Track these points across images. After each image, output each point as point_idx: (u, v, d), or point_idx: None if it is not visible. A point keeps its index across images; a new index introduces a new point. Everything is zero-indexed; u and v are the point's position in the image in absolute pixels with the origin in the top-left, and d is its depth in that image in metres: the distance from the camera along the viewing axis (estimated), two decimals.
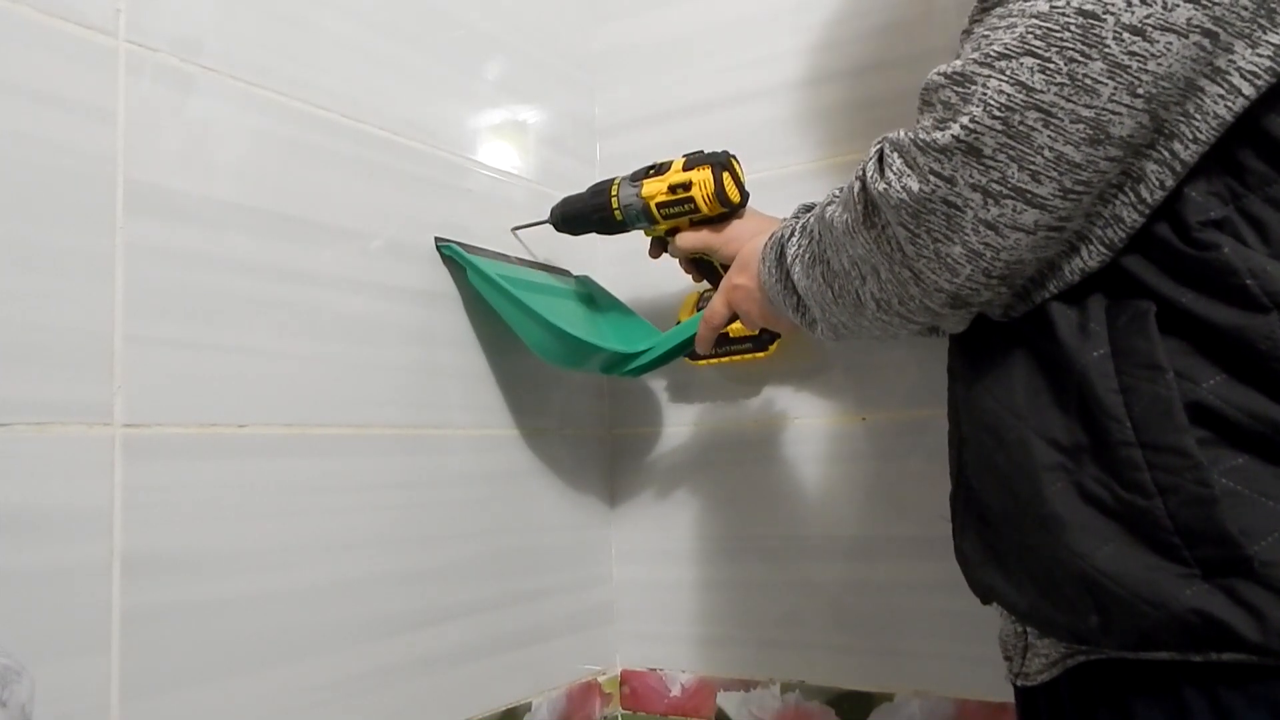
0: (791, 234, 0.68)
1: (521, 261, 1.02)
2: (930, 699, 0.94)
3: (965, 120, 0.50)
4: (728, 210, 0.89)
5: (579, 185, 0.98)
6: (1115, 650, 0.53)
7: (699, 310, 0.96)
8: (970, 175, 0.50)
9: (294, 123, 0.79)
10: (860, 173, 0.58)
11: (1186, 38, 0.46)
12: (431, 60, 0.94)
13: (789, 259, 0.67)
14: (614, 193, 0.93)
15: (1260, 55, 0.48)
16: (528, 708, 0.98)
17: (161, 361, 0.68)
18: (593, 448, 1.12)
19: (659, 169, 0.91)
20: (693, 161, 0.90)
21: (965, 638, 0.93)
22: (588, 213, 0.96)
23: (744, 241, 0.85)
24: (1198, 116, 0.49)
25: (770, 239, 0.72)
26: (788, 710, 1.01)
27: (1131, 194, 0.51)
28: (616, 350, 0.93)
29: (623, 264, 1.14)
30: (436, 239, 0.92)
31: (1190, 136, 0.49)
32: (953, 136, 0.50)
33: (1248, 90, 0.48)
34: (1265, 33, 0.47)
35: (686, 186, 0.88)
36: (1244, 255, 0.49)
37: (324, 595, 0.78)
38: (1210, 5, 0.46)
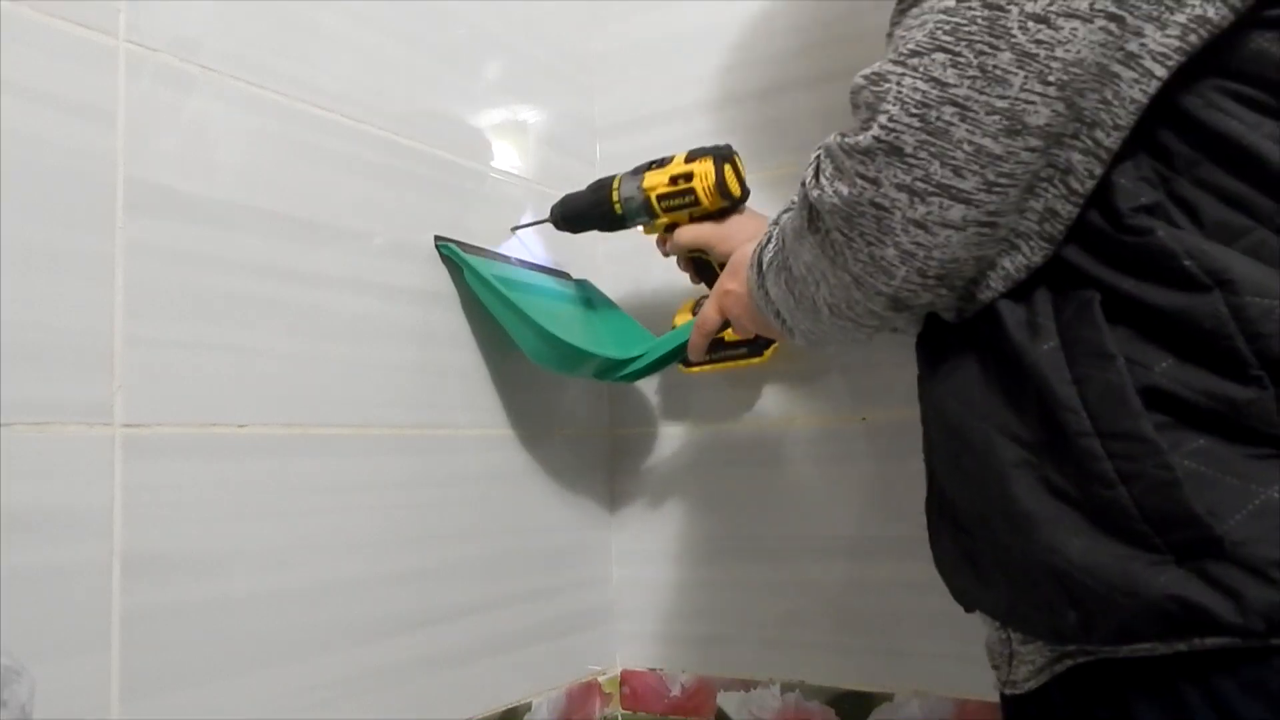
0: (768, 240, 0.69)
1: (521, 263, 1.02)
2: (930, 699, 0.94)
3: (884, 119, 0.51)
4: (728, 204, 0.89)
5: (579, 185, 0.98)
6: (1097, 646, 0.52)
7: (695, 315, 0.96)
8: (894, 175, 0.51)
9: (294, 123, 0.79)
10: (802, 181, 0.59)
11: (1091, 22, 0.47)
12: (431, 60, 0.94)
13: (764, 265, 0.68)
14: (615, 187, 0.93)
15: (1169, 36, 0.48)
16: (528, 708, 0.98)
17: (161, 361, 0.68)
18: (593, 448, 1.12)
19: (660, 163, 0.91)
20: (694, 154, 0.90)
21: (965, 638, 0.93)
22: (588, 209, 0.95)
23: (741, 240, 0.85)
24: (1116, 103, 0.49)
25: (756, 245, 0.72)
26: (788, 710, 1.01)
27: (1061, 186, 0.51)
28: (609, 356, 0.93)
29: (623, 263, 1.14)
30: (436, 238, 0.92)
31: (1111, 123, 0.49)
32: (874, 138, 0.51)
33: (1160, 72, 0.48)
34: (1172, 14, 0.48)
35: (688, 178, 0.88)
36: (1178, 237, 0.49)
37: (324, 595, 0.78)
38: None
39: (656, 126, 1.13)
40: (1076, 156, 0.50)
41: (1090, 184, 0.51)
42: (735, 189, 0.89)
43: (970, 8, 0.48)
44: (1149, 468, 0.48)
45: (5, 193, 0.60)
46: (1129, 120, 0.49)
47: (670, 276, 1.06)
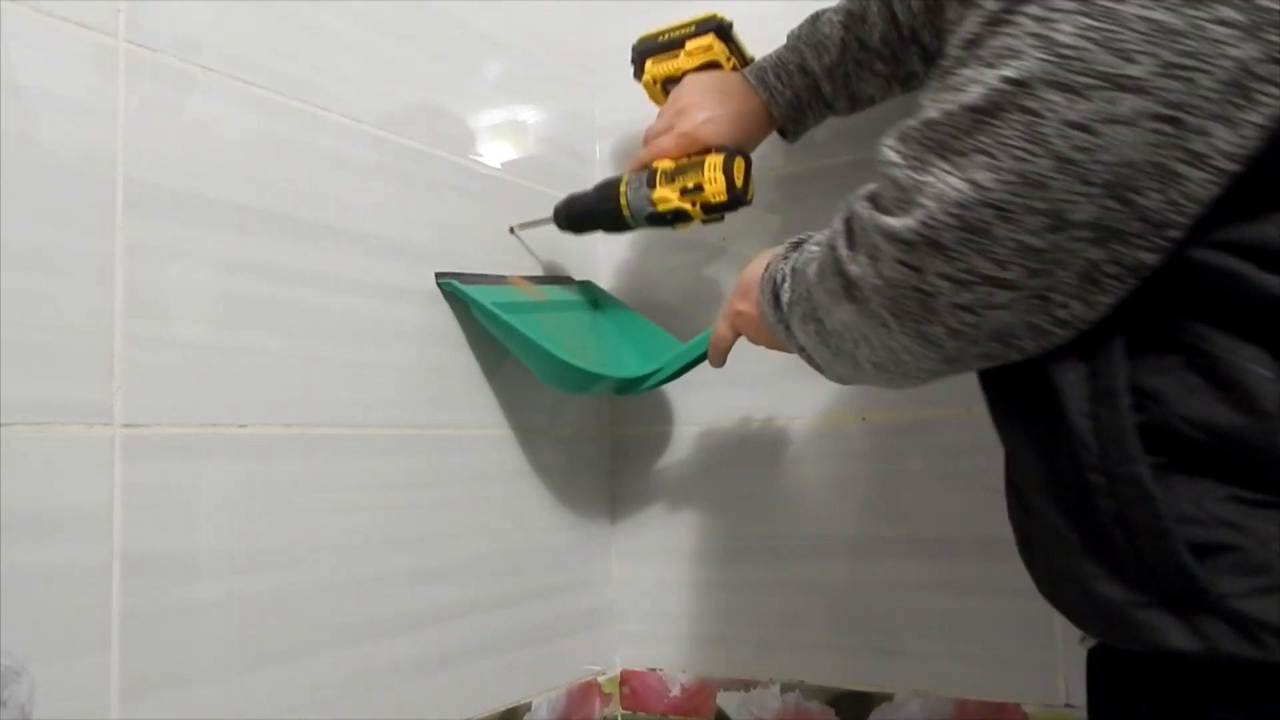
0: (784, 279, 0.68)
1: (522, 279, 1.01)
2: (930, 699, 0.94)
3: (923, 215, 0.49)
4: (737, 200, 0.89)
5: (579, 185, 0.98)
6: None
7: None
8: (936, 265, 0.50)
9: (294, 123, 0.79)
10: (832, 244, 0.58)
11: (1136, 125, 0.45)
12: (431, 60, 0.95)
13: (784, 306, 0.67)
14: (622, 190, 0.92)
15: (1244, 136, 0.45)
16: (528, 708, 0.98)
17: (161, 361, 0.68)
18: (593, 447, 1.12)
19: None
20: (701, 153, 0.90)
21: (965, 638, 0.93)
22: (594, 209, 0.95)
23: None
24: (1187, 203, 0.47)
25: (766, 272, 0.72)
26: (788, 710, 1.01)
27: (1133, 280, 0.50)
28: (624, 377, 0.93)
29: (622, 262, 1.14)
30: (437, 275, 0.92)
31: (1185, 224, 0.47)
32: (912, 231, 0.50)
33: (1235, 169, 0.46)
34: (1242, 111, 0.45)
35: (699, 189, 0.88)
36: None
37: (324, 595, 0.78)
38: (1160, 92, 0.44)
39: None
40: (1146, 255, 0.48)
41: (1151, 267, 0.49)
42: (742, 185, 0.88)
43: (1006, 110, 0.46)
44: (1143, 515, 0.48)
45: (5, 193, 0.60)
46: (1200, 214, 0.47)
47: (669, 275, 1.06)
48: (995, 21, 0.47)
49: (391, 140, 0.89)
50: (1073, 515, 0.52)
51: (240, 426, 0.73)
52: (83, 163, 0.65)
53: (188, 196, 0.71)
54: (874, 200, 0.53)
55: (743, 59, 0.97)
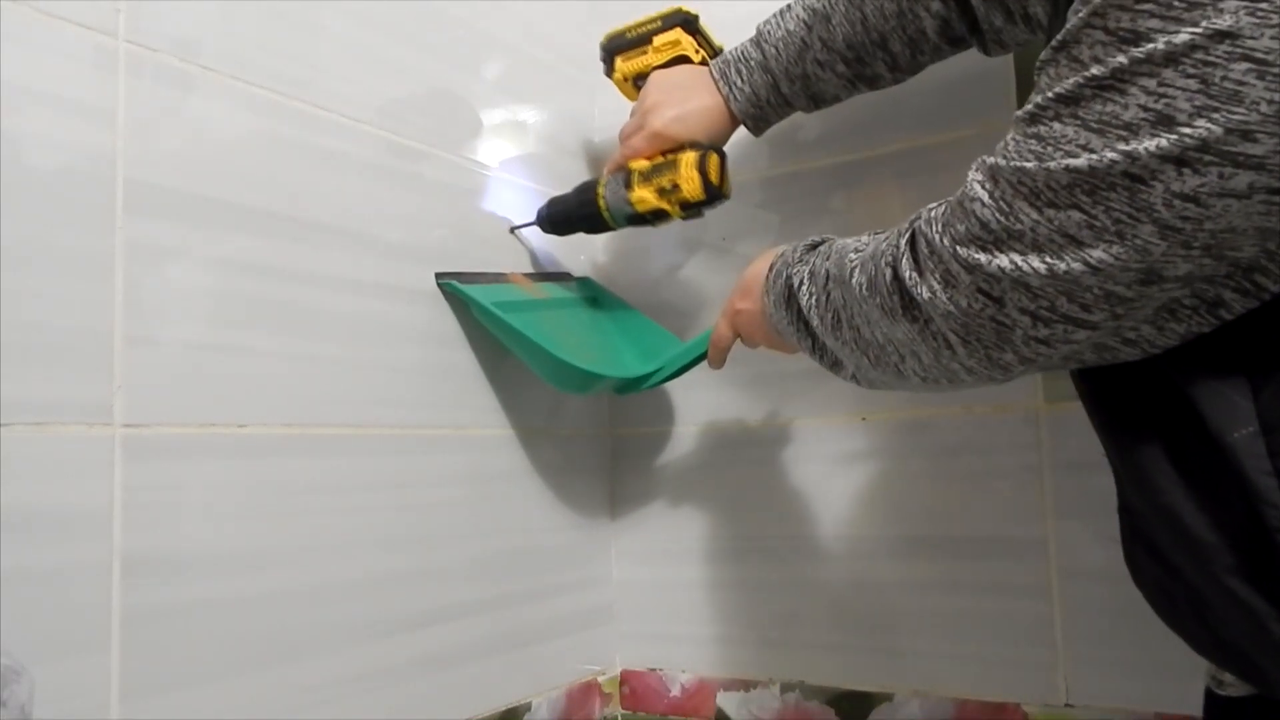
0: (801, 282, 0.67)
1: (521, 275, 1.01)
2: (930, 699, 0.94)
3: (1014, 257, 0.49)
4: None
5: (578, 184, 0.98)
6: None
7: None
8: (1019, 300, 0.50)
9: (294, 122, 0.79)
10: (891, 260, 0.56)
11: (1249, 199, 0.43)
12: (431, 60, 0.94)
13: (804, 308, 0.67)
14: (600, 193, 0.93)
15: None
16: (528, 708, 0.98)
17: (161, 361, 0.68)
18: (593, 447, 1.12)
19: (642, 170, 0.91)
20: (673, 153, 0.90)
21: (965, 638, 0.93)
22: (574, 211, 0.96)
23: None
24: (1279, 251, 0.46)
25: (772, 270, 0.72)
26: (788, 710, 1.01)
27: (1209, 316, 0.49)
28: (625, 377, 0.93)
29: (622, 261, 1.13)
30: (437, 275, 0.92)
31: (1271, 269, 0.47)
32: (999, 268, 0.49)
33: None
34: None
35: (676, 188, 0.88)
36: None
37: (324, 595, 0.78)
38: (1276, 169, 0.42)
39: None
40: (1229, 294, 0.48)
41: (1243, 309, 0.48)
42: (718, 182, 0.88)
43: (1110, 174, 0.45)
44: None
45: (5, 193, 0.60)
46: None
47: (669, 273, 1.06)
48: (1100, 86, 0.45)
49: (391, 140, 0.89)
50: (1257, 582, 0.48)
51: (240, 426, 0.73)
52: (83, 163, 0.65)
53: (187, 196, 0.71)
54: (949, 229, 0.52)
55: (711, 49, 0.96)
